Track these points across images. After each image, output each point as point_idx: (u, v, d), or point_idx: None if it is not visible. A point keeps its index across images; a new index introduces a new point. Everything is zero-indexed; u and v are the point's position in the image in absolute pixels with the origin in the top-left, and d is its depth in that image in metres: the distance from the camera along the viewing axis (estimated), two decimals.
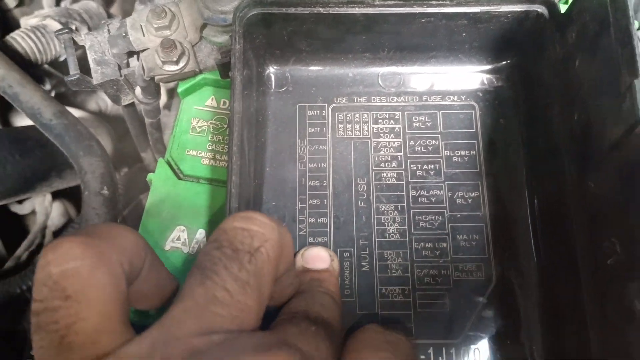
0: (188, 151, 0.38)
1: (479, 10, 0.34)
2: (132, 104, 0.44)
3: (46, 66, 0.57)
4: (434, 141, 0.37)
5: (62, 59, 0.57)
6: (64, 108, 0.45)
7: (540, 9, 0.34)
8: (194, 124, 0.39)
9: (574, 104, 0.33)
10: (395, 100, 0.38)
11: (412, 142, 0.37)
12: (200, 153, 0.38)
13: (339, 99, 0.39)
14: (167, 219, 0.36)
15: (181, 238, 0.36)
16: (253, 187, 0.34)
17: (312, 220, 0.36)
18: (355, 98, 0.39)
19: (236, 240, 0.23)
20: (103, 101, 0.66)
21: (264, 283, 0.22)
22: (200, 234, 0.36)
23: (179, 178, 0.38)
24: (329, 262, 0.31)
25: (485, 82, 0.39)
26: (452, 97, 0.38)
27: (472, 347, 0.33)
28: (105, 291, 0.21)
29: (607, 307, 0.30)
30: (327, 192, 0.36)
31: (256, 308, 0.22)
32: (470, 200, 0.36)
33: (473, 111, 0.38)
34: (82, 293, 0.20)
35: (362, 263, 0.35)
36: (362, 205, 0.36)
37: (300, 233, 0.35)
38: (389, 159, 0.37)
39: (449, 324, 0.34)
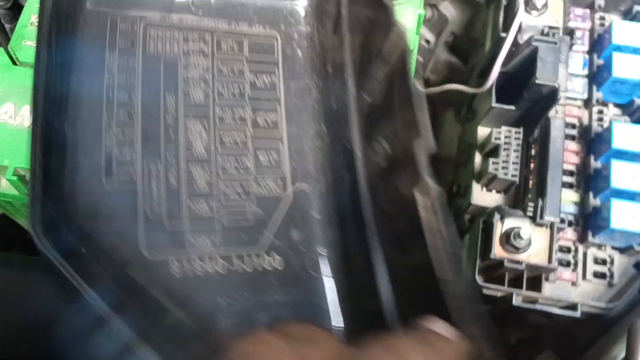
0: (25, 42, 0.44)
1: None
2: None
3: None
4: (240, 65, 0.40)
5: None
6: None
7: None
8: (32, 19, 0.45)
9: (357, 30, 0.37)
10: (205, 23, 0.40)
11: (219, 64, 0.39)
12: (34, 44, 0.43)
13: (151, 17, 0.38)
14: (0, 96, 0.42)
15: (9, 112, 0.41)
16: (62, 86, 0.34)
17: (119, 131, 0.35)
18: (167, 17, 0.39)
19: None
20: None
21: None
22: (26, 109, 0.41)
23: (15, 64, 0.43)
24: None
25: (288, 15, 0.41)
26: (257, 26, 0.41)
27: (275, 255, 0.36)
28: None
29: (379, 198, 0.35)
30: (135, 106, 0.36)
31: None
32: (270, 121, 0.39)
33: (275, 42, 0.41)
34: None
35: (170, 176, 0.36)
36: (170, 122, 0.37)
37: (107, 143, 0.34)
38: (198, 79, 0.38)
39: (253, 234, 0.36)
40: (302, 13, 0.41)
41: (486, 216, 0.44)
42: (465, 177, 0.50)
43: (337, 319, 0.35)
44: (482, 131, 0.49)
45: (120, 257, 0.32)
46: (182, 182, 0.35)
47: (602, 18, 0.51)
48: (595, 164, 0.45)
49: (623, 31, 0.46)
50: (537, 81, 0.42)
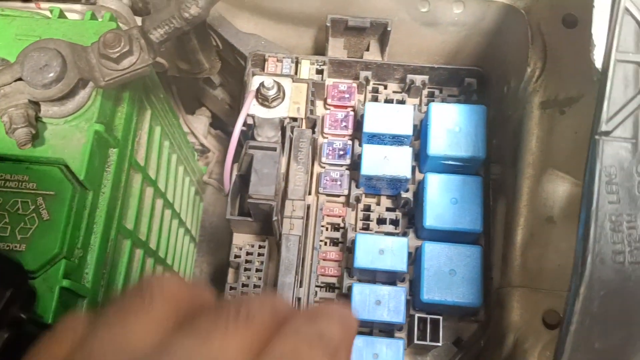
0: None
1: None
2: None
3: None
4: None
5: None
6: None
7: None
8: None
9: None
10: None
11: None
12: None
13: None
14: None
15: None
16: None
17: None
18: None
19: None
20: None
21: None
22: None
23: None
24: None
25: None
26: None
27: None
28: None
29: None
30: None
31: None
32: None
33: None
34: None
35: None
36: None
37: None
38: None
39: None
40: None
41: None
42: None
43: None
44: (237, 240, 0.41)
45: None
46: None
47: (376, 91, 0.43)
48: (349, 280, 0.38)
49: (376, 115, 0.39)
50: (249, 200, 0.35)
